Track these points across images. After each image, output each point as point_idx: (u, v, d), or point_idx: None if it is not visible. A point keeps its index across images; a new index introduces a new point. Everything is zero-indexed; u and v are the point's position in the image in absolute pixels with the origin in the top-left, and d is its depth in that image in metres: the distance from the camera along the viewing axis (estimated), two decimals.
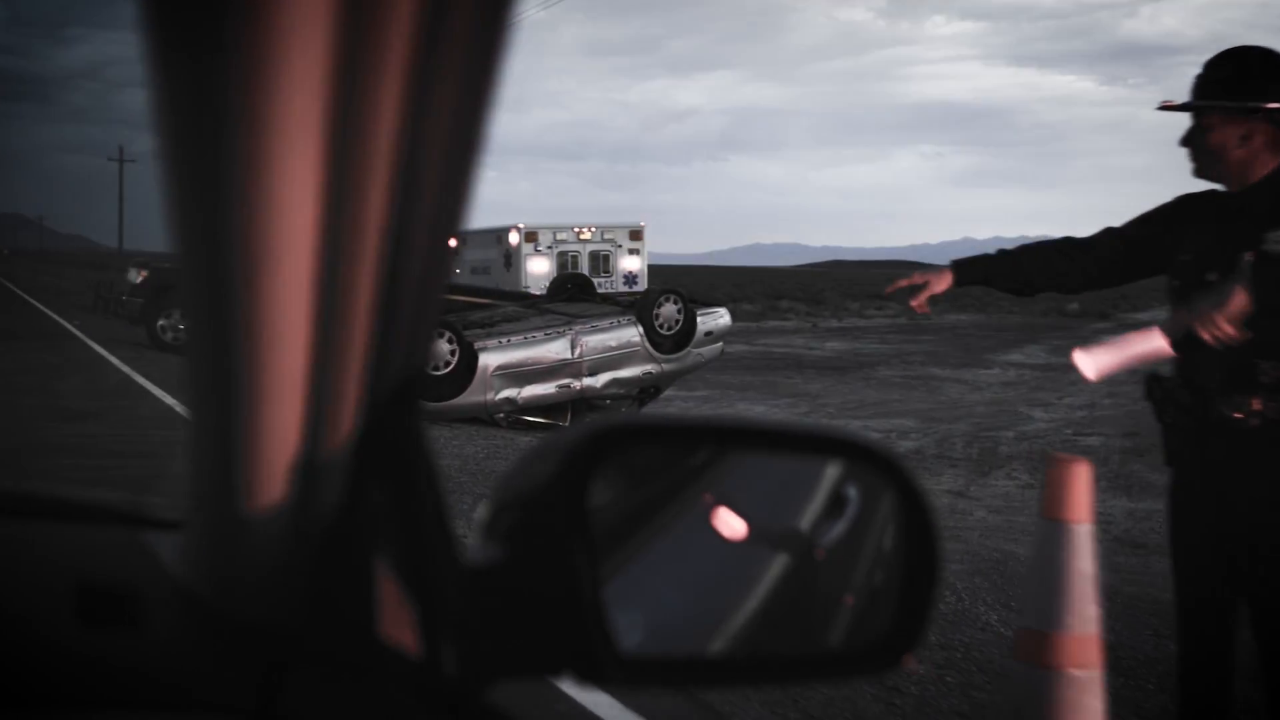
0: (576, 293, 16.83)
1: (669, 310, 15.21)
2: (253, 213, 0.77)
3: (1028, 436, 18.32)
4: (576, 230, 24.17)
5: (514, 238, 23.94)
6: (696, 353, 15.60)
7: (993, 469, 15.79)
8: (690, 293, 15.75)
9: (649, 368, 15.20)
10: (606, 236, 24.56)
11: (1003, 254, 4.23)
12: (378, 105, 0.76)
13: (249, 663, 0.90)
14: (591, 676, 0.92)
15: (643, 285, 25.16)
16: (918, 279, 4.13)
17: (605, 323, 14.92)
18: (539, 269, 23.72)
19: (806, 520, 1.07)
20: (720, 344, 16.14)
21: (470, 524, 1.03)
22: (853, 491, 1.07)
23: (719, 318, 15.84)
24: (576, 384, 14.62)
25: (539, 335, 14.45)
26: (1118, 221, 4.38)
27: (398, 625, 0.92)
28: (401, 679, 0.92)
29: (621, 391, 15.21)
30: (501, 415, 14.43)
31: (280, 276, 0.79)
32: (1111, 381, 18.32)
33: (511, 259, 23.97)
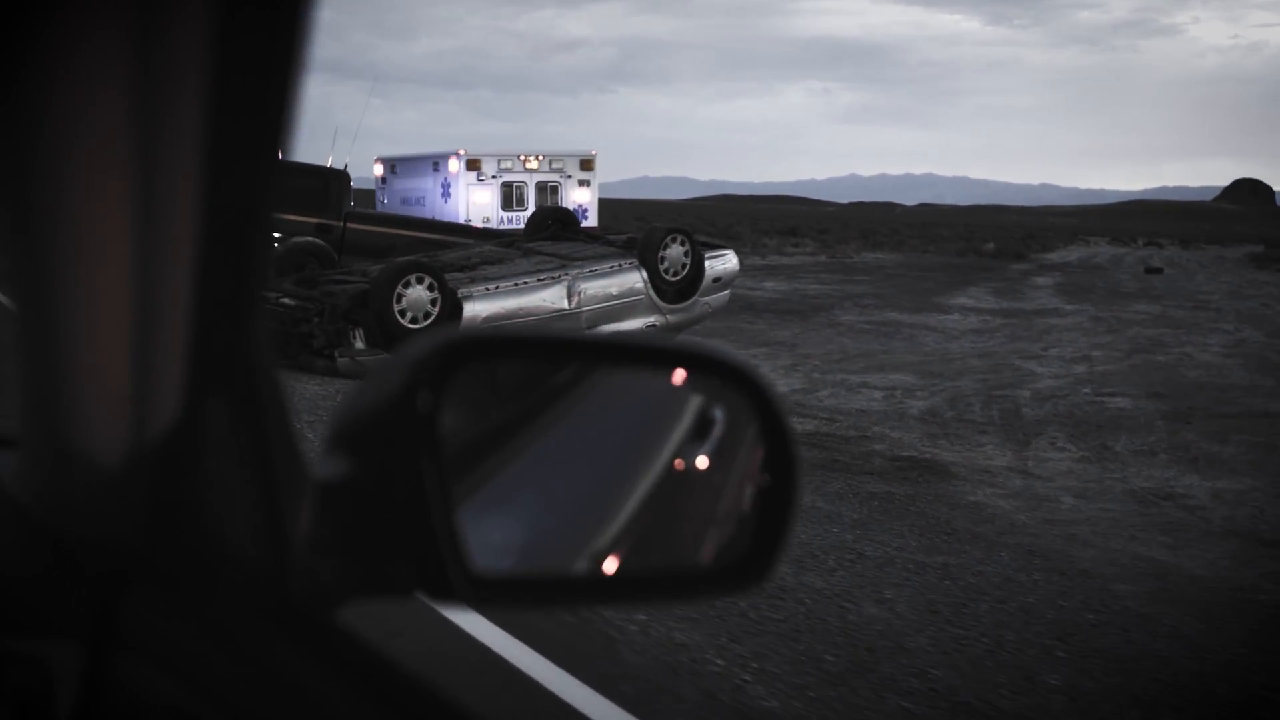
0: (559, 230, 14.49)
1: (675, 253, 13.02)
2: (65, 131, 0.75)
3: (1044, 396, 16.82)
4: (522, 158, 21.77)
5: (454, 165, 21.39)
6: (704, 302, 13.46)
7: (1031, 437, 14.28)
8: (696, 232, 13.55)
9: (653, 320, 13.04)
10: (555, 166, 22.15)
11: None
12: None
13: (86, 581, 0.86)
14: (442, 596, 0.88)
15: (593, 219, 22.92)
16: None
17: (604, 267, 12.66)
18: (481, 200, 21.29)
19: (673, 441, 1.05)
20: (728, 291, 14.02)
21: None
22: (719, 413, 1.05)
23: (726, 261, 13.69)
24: None
25: (530, 281, 12.16)
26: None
27: (241, 543, 0.88)
28: (245, 601, 0.88)
29: None
30: None
31: (95, 189, 0.77)
32: (1086, 330, 16.66)
33: (450, 189, 21.44)
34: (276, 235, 13.03)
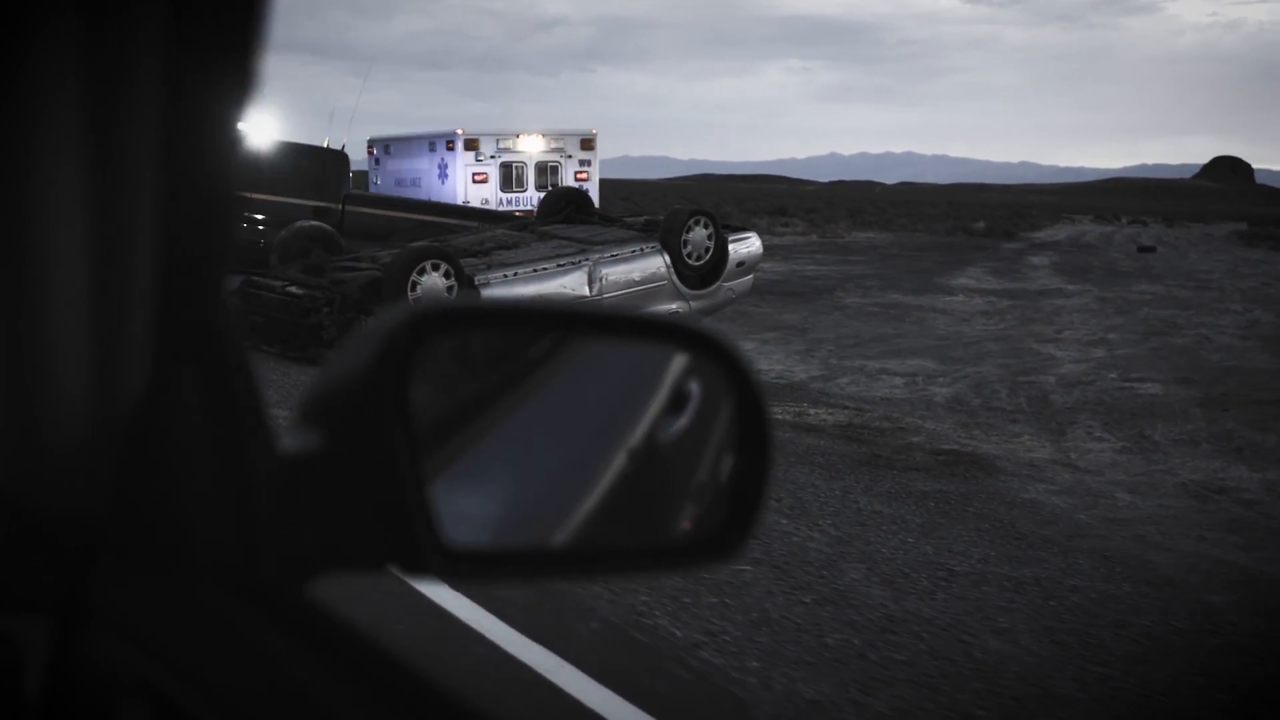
0: (573, 213, 13.81)
1: (699, 236, 12.37)
2: (24, 102, 0.76)
3: (1070, 382, 16.36)
4: (520, 136, 21.04)
5: (451, 145, 20.67)
6: (727, 288, 12.84)
7: (1065, 426, 13.82)
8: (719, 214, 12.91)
9: (675, 307, 12.41)
10: (555, 145, 21.42)
11: None
12: None
13: (53, 558, 0.84)
14: (415, 569, 0.89)
15: (595, 201, 22.26)
16: None
17: (626, 251, 12.00)
18: (481, 182, 20.56)
19: (650, 414, 1.05)
20: (751, 276, 13.39)
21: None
22: (695, 386, 1.05)
23: (750, 244, 13.05)
24: None
25: (550, 267, 11.50)
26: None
27: (210, 518, 0.86)
28: (215, 575, 0.86)
29: None
30: None
31: (56, 159, 0.78)
32: (1095, 312, 16.27)
33: (448, 170, 20.69)
34: (260, 217, 12.33)
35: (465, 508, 0.91)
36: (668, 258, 12.13)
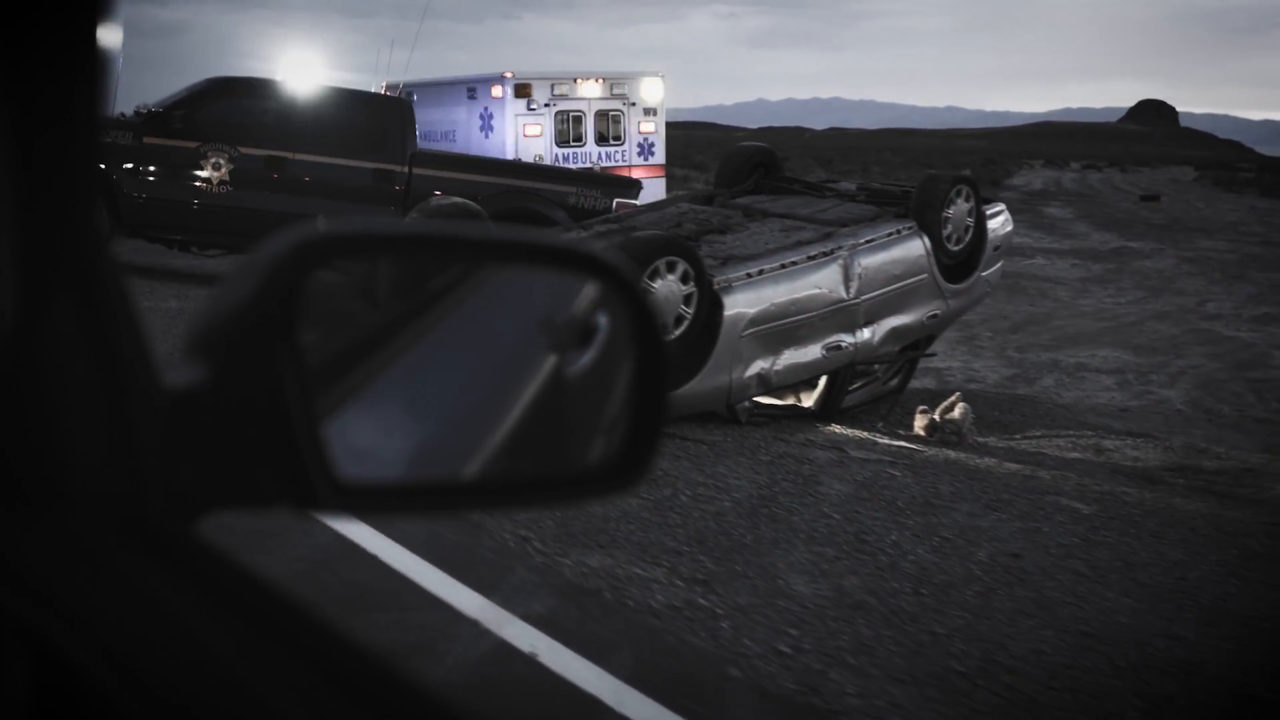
0: (763, 177, 10.54)
1: (959, 212, 9.24)
2: None
3: None
4: (579, 82, 17.70)
5: (497, 92, 17.23)
6: (984, 278, 9.74)
7: None
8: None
9: (934, 308, 9.29)
10: (616, 91, 18.07)
11: None
12: None
13: None
14: (307, 504, 0.87)
15: (660, 156, 18.94)
16: None
17: (881, 235, 8.82)
18: (533, 134, 17.21)
19: (557, 346, 1.04)
20: (1002, 263, 10.29)
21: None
22: (602, 320, 1.03)
23: (1001, 219, 9.95)
24: (850, 341, 8.57)
25: (798, 259, 8.28)
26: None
27: (91, 454, 0.82)
28: (97, 514, 0.82)
29: (895, 348, 9.22)
30: (747, 404, 8.22)
31: None
32: (1203, 275, 12.57)
33: (494, 121, 17.25)
34: (323, 173, 8.64)
35: (366, 441, 0.89)
36: (927, 241, 8.99)
